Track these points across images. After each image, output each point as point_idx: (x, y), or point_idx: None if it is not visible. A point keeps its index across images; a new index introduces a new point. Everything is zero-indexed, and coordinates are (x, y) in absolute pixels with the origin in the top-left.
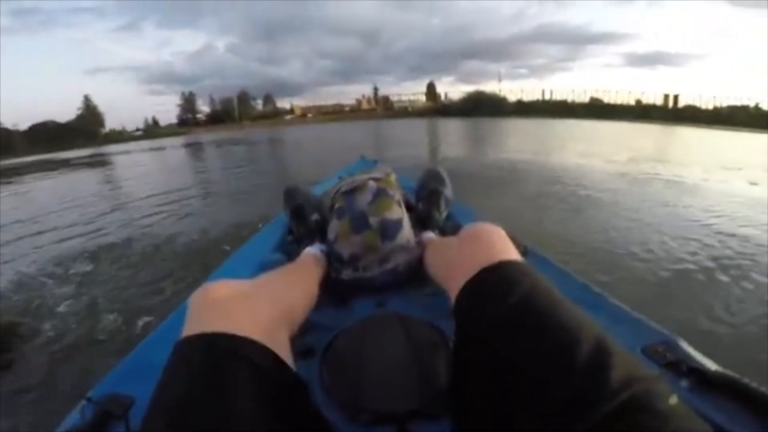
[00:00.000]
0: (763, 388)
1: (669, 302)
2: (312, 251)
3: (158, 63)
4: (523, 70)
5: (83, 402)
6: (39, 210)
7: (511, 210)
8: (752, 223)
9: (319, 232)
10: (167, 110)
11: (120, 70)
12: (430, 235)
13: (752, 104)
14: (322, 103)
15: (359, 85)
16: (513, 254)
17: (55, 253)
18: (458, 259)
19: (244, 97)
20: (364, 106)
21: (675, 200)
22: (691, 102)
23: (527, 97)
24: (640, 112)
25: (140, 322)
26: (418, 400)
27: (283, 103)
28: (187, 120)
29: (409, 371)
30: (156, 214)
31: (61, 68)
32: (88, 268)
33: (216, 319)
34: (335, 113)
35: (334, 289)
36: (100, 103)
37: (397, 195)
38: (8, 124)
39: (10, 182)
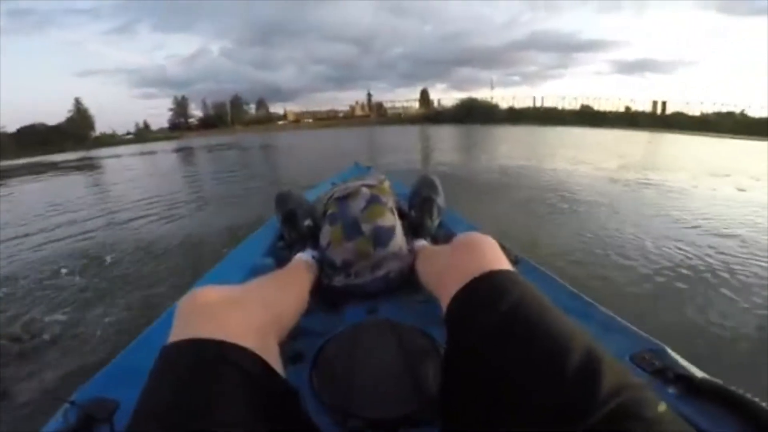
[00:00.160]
0: (749, 395)
1: (659, 307)
2: (303, 257)
3: (151, 66)
4: (515, 78)
5: (66, 405)
6: (24, 214)
7: (502, 216)
8: (743, 227)
9: (310, 238)
10: (159, 114)
11: (112, 73)
12: (422, 242)
13: (738, 111)
14: (316, 108)
15: (353, 92)
16: (504, 264)
17: (39, 256)
18: (450, 268)
19: (236, 102)
20: (358, 112)
21: (666, 207)
22: (679, 109)
23: (519, 105)
24: (629, 119)
25: (126, 326)
26: (409, 406)
27: (276, 109)
28: (179, 124)
29: (400, 378)
30: (144, 217)
31: (52, 70)
32: (74, 272)
33: (204, 324)
34: (328, 119)
35: (325, 295)
36: (91, 106)
37: (390, 202)
38: None
39: None
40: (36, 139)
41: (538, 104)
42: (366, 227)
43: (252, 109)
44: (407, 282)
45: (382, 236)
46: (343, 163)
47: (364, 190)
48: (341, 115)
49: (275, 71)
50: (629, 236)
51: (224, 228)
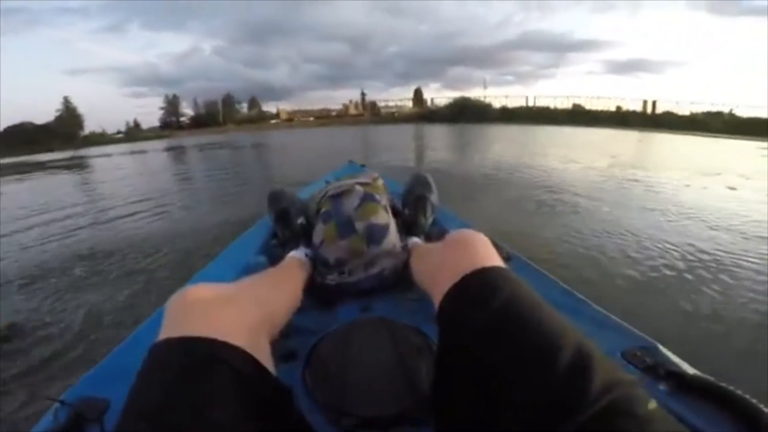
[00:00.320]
0: (739, 392)
1: (651, 304)
2: (296, 255)
3: (142, 65)
4: (508, 77)
5: (56, 405)
6: (8, 213)
7: (495, 213)
8: (734, 224)
9: (304, 236)
10: (150, 113)
11: (102, 71)
12: (415, 240)
13: (727, 110)
14: (309, 107)
15: (347, 90)
16: (496, 260)
17: (25, 257)
18: (442, 265)
19: (228, 101)
20: (351, 111)
21: (657, 205)
22: (668, 108)
23: (512, 104)
24: (620, 119)
25: (116, 327)
26: (403, 404)
27: (269, 107)
28: (171, 123)
29: (394, 376)
30: (134, 215)
31: (41, 69)
32: (62, 272)
33: (195, 322)
34: (322, 118)
35: (318, 294)
36: (81, 104)
37: (384, 200)
38: None
39: None
40: (23, 139)
41: (531, 104)
42: (359, 225)
43: (244, 107)
44: (401, 280)
45: (375, 234)
46: (337, 162)
47: (358, 188)
48: (334, 113)
49: (268, 70)
50: (621, 233)
51: (216, 226)
